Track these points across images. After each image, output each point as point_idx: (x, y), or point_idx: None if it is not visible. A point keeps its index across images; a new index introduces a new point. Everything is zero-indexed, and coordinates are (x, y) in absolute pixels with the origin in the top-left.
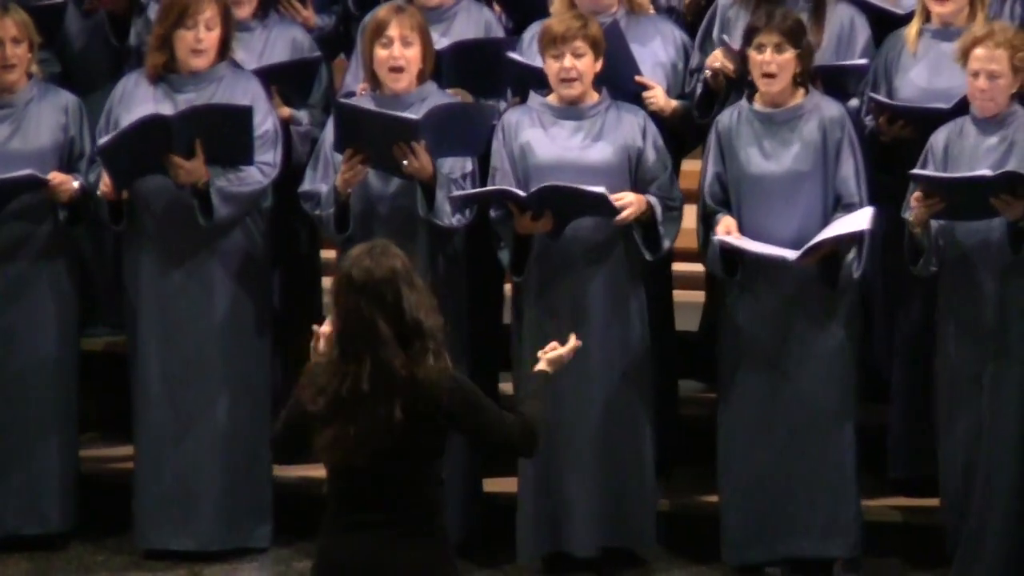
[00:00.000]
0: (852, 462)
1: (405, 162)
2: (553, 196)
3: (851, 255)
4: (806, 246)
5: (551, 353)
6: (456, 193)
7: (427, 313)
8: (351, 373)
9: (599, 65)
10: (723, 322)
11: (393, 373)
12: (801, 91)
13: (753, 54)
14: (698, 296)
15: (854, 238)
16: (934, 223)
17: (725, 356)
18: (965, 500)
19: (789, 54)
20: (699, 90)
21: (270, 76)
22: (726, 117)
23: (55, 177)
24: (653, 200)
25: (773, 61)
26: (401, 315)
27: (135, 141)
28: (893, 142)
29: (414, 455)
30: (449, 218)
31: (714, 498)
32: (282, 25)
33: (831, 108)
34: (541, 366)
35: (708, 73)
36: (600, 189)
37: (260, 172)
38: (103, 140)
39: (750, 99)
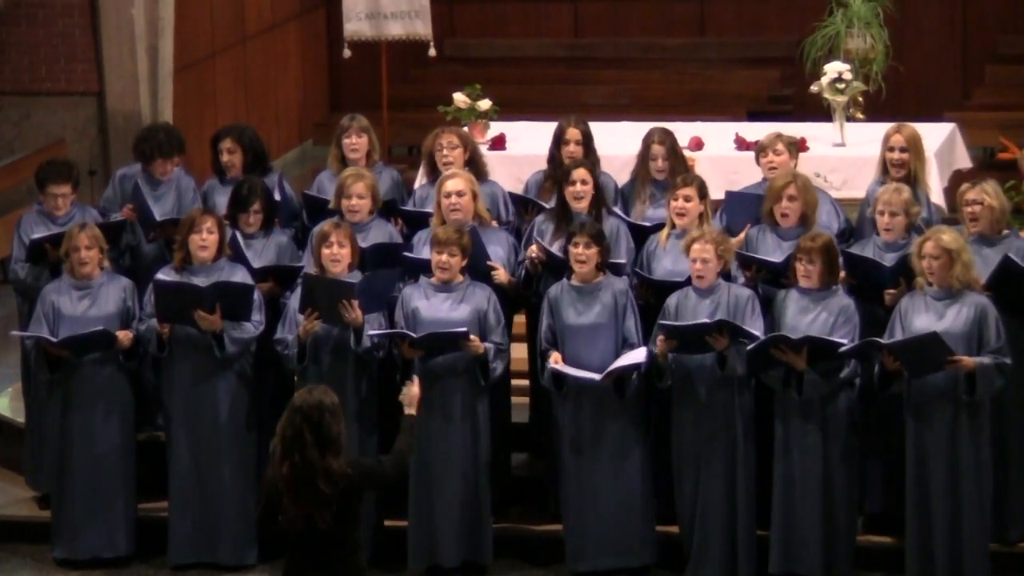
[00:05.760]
0: (640, 503)
1: (346, 314)
2: (432, 339)
3: (634, 376)
4: (606, 371)
5: (407, 398)
6: (373, 332)
7: (337, 431)
8: (287, 464)
9: (464, 259)
10: (557, 418)
11: (314, 465)
12: (601, 273)
13: (572, 249)
14: (524, 400)
15: (636, 368)
16: (670, 355)
17: (559, 438)
18: (693, 523)
19: (594, 249)
20: (522, 274)
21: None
22: (554, 290)
23: (120, 333)
24: (489, 346)
25: (584, 254)
26: (319, 430)
27: (178, 293)
28: (647, 303)
29: (340, 514)
30: (369, 351)
31: (533, 527)
32: (273, 235)
33: (620, 283)
34: (409, 411)
35: (528, 261)
36: (464, 329)
37: (253, 327)
38: (160, 279)
39: (568, 277)
